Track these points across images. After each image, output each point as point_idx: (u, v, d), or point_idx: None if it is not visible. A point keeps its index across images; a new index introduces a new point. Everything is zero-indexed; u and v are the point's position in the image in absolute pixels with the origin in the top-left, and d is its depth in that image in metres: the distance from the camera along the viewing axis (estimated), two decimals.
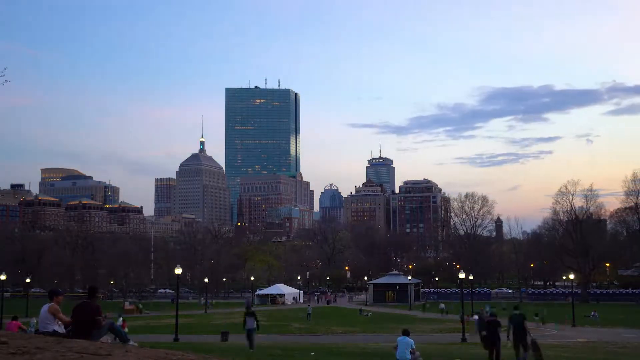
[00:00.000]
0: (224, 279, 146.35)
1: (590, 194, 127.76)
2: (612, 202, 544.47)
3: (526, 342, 25.65)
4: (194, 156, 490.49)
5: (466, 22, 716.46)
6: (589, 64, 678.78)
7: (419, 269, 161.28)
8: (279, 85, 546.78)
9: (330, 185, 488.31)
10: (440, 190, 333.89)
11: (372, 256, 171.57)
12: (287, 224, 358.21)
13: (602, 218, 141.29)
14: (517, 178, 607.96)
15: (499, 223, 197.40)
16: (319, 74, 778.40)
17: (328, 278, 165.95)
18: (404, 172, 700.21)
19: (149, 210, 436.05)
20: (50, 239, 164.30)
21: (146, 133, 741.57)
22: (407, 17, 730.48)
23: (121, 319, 52.07)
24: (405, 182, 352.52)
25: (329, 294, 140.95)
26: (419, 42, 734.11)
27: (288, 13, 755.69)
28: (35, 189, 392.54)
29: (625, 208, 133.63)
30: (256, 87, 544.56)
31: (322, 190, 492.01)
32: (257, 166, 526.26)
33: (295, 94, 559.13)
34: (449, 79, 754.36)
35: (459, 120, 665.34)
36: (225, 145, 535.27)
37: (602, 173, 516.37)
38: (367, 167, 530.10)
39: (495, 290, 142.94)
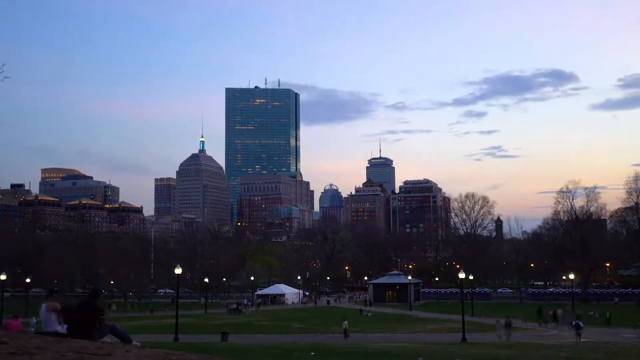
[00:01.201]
0: (224, 279, 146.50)
1: (591, 194, 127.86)
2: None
3: None
4: (194, 156, 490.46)
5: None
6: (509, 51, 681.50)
7: (419, 269, 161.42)
8: (279, 85, 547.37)
9: (330, 185, 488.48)
10: (440, 190, 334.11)
11: (372, 256, 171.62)
12: (287, 224, 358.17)
13: (602, 218, 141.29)
14: (486, 175, 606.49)
15: (499, 223, 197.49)
16: (319, 73, 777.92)
17: (328, 278, 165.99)
18: (404, 172, 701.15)
19: (149, 210, 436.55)
20: (50, 239, 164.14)
21: (146, 133, 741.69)
22: (411, 11, 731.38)
23: None
24: (405, 182, 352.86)
25: (345, 294, 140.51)
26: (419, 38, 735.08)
27: (287, 12, 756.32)
28: (35, 189, 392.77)
29: (626, 208, 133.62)
30: (256, 87, 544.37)
31: (322, 190, 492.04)
32: (257, 166, 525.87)
33: (295, 93, 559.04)
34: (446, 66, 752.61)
35: None
36: (225, 145, 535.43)
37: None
38: (367, 167, 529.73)
39: (497, 290, 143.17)
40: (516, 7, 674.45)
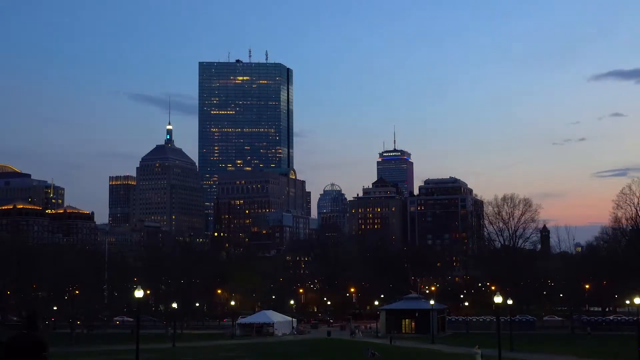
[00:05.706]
0: (197, 304, 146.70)
1: None
2: None
3: None
4: (158, 148, 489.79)
5: None
6: None
7: (443, 292, 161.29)
8: (266, 59, 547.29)
9: (332, 185, 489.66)
10: (470, 191, 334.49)
11: (385, 275, 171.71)
12: (277, 234, 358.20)
13: None
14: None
15: (545, 233, 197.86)
16: (317, 44, 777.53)
17: (329, 303, 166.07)
18: (425, 169, 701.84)
19: (102, 217, 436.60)
20: None
21: (99, 121, 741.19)
22: None
23: None
24: (427, 182, 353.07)
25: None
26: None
27: None
28: None
29: None
30: (238, 60, 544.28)
31: (322, 192, 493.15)
32: (238, 161, 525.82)
33: (288, 69, 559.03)
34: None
35: None
36: (199, 134, 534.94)
37: None
38: (378, 162, 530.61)
39: (543, 318, 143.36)
40: None
